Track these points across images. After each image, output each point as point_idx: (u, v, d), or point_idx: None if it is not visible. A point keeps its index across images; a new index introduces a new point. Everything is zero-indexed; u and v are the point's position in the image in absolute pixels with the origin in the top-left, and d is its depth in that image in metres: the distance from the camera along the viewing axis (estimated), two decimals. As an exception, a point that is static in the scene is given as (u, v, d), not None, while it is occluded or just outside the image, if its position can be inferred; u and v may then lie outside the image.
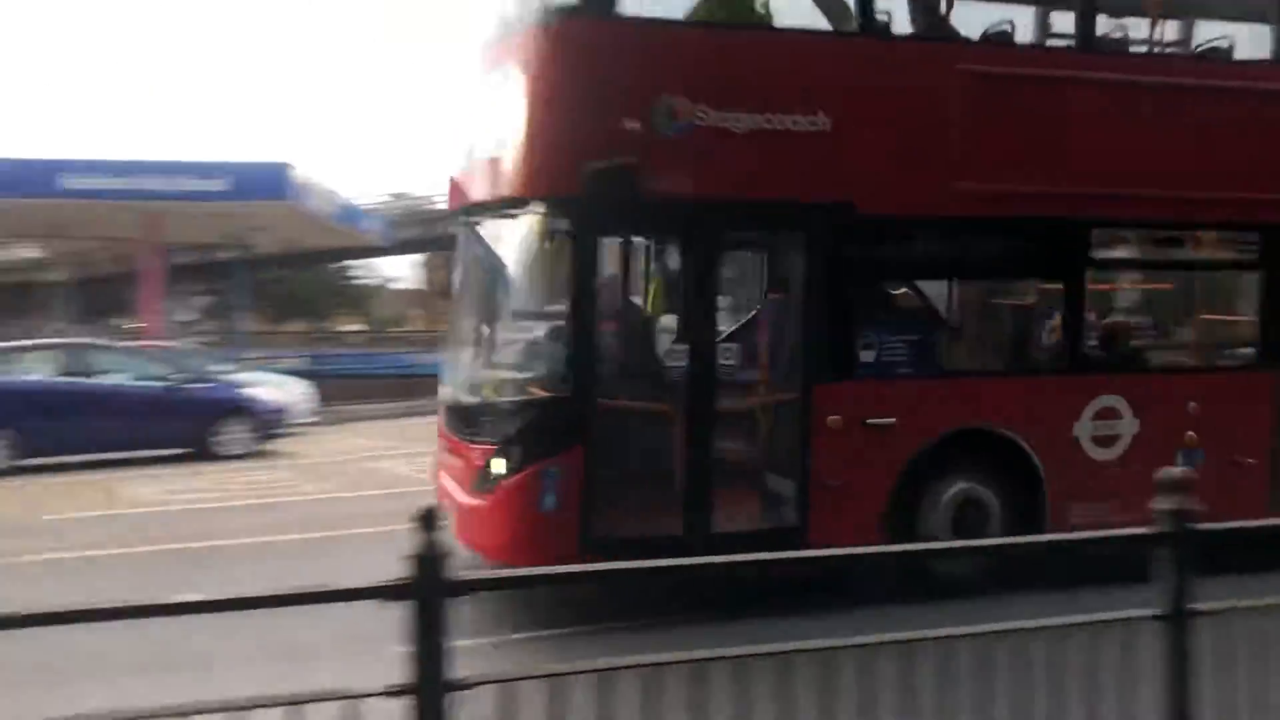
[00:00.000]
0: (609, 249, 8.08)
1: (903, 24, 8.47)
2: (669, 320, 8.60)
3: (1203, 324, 9.99)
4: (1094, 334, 8.97)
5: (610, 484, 7.19)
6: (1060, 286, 8.40)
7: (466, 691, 2.89)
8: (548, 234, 7.09)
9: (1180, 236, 9.20)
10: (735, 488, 7.62)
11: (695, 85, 7.27)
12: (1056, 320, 8.52)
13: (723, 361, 7.77)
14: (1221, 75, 8.82)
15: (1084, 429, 8.08)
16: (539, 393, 7.26)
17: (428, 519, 2.93)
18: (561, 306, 7.18)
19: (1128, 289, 10.48)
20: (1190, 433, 8.21)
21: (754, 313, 8.97)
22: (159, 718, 2.86)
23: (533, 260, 7.29)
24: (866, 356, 7.73)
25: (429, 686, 2.86)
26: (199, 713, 2.83)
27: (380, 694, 2.88)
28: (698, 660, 3.22)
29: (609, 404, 7.43)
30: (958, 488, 7.87)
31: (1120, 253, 9.19)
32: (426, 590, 2.89)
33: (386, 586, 2.90)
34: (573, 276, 7.06)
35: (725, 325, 8.44)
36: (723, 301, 8.24)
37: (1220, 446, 8.27)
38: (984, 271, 8.78)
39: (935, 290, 8.77)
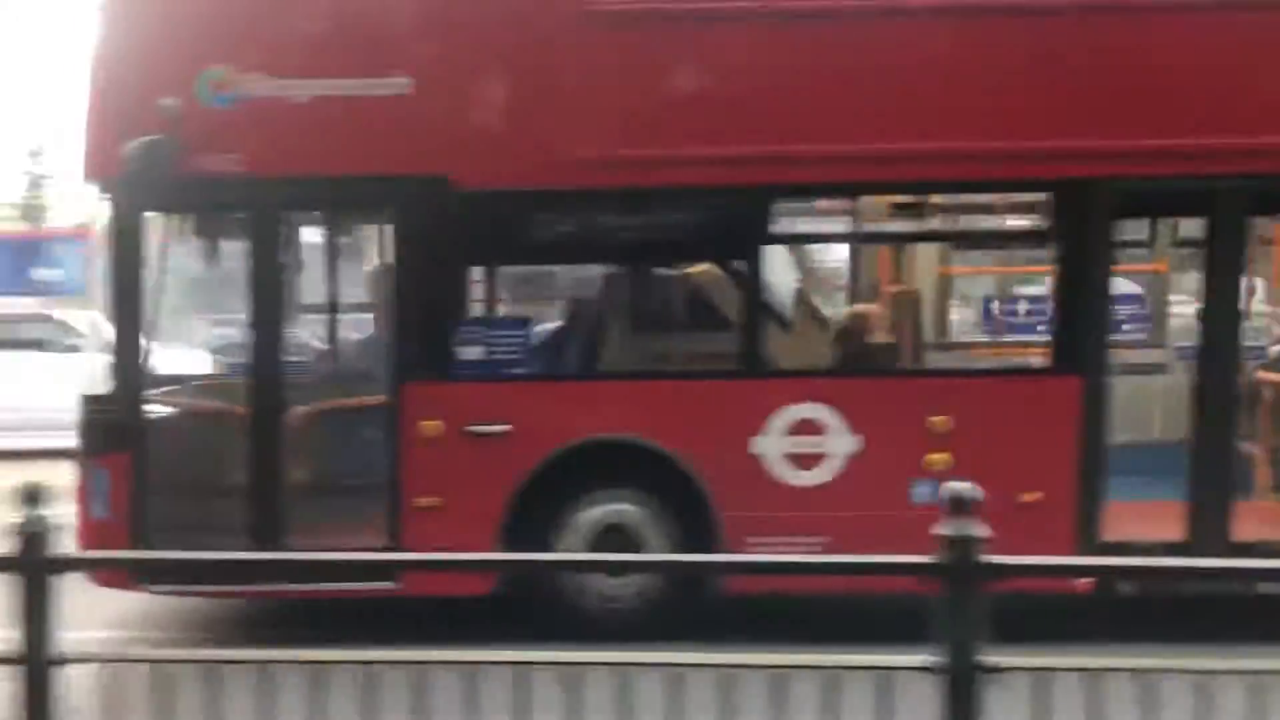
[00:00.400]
0: (161, 235, 7.30)
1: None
2: (235, 314, 7.79)
3: (944, 314, 8.34)
4: (785, 327, 7.48)
5: (168, 495, 6.73)
6: (730, 270, 7.19)
7: (996, 675, 2.92)
8: (108, 218, 6.81)
9: (916, 202, 7.49)
10: (314, 504, 6.84)
11: (245, 51, 6.69)
12: (729, 311, 7.18)
13: (296, 358, 7.28)
14: None
15: (771, 445, 6.68)
16: (91, 389, 6.89)
17: (959, 504, 2.99)
18: (115, 296, 6.80)
19: (843, 271, 8.64)
20: (935, 455, 6.54)
21: (336, 303, 8.24)
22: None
23: (101, 245, 7.07)
24: (469, 353, 6.84)
25: (961, 666, 2.91)
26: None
27: (908, 668, 2.96)
28: (1203, 672, 3.17)
29: (167, 405, 7.16)
30: (599, 511, 6.77)
31: (821, 227, 7.65)
32: (959, 571, 2.94)
33: (919, 564, 2.97)
34: (117, 264, 6.76)
35: (302, 317, 7.75)
36: (298, 292, 7.64)
37: (989, 475, 6.52)
38: (626, 254, 7.42)
39: (561, 277, 7.79)
